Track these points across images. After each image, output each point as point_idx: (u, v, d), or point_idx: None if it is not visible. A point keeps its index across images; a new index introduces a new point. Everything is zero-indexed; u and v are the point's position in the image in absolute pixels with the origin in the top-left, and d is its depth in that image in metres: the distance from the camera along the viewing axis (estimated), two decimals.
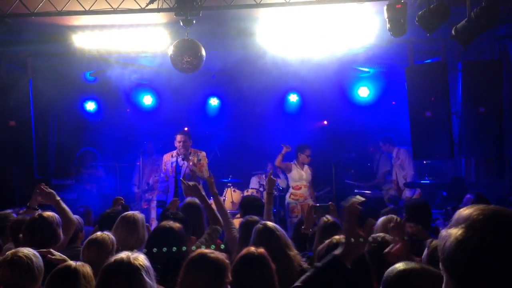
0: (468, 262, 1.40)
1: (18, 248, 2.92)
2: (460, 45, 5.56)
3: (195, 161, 6.84)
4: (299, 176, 7.88)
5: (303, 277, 2.48)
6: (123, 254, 2.29)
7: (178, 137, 6.91)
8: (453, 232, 1.44)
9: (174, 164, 6.87)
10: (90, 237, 3.32)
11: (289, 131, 9.02)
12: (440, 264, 1.48)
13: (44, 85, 8.60)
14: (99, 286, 2.25)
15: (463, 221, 1.43)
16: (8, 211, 4.51)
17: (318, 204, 4.70)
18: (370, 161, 9.21)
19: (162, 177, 7.19)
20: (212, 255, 2.54)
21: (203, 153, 7.04)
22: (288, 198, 7.90)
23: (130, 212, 3.88)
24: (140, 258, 2.28)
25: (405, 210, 4.40)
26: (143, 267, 2.24)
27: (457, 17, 5.44)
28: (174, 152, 6.99)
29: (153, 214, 8.00)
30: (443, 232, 1.50)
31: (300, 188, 7.86)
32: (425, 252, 2.86)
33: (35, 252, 2.88)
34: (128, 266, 2.22)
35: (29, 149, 6.85)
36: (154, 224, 7.67)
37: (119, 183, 8.61)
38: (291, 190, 7.92)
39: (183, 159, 6.80)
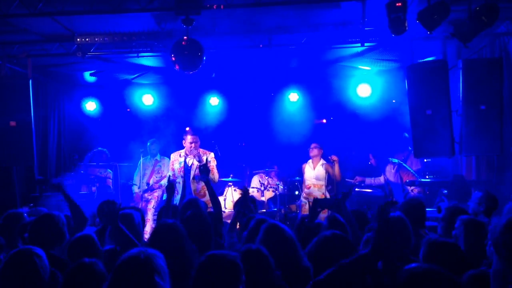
0: None
1: (21, 247, 2.91)
2: (460, 42, 5.58)
3: (205, 161, 6.80)
4: (309, 175, 7.95)
5: (325, 273, 2.47)
6: (137, 252, 2.18)
7: (190, 138, 6.85)
8: (504, 218, 1.60)
9: (182, 164, 6.84)
10: None
11: (290, 129, 9.01)
12: (492, 246, 1.65)
13: (45, 85, 8.62)
14: (111, 284, 2.15)
15: None
16: (20, 211, 4.52)
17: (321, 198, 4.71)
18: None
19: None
20: (225, 256, 2.41)
21: (212, 154, 7.02)
22: (301, 197, 8.04)
23: None
24: (154, 257, 2.17)
25: (400, 209, 4.41)
26: (155, 267, 2.13)
27: (457, 14, 5.46)
28: (182, 152, 6.96)
29: (149, 214, 8.00)
30: (495, 220, 1.68)
31: (309, 187, 7.90)
32: (422, 250, 2.86)
33: (38, 251, 2.87)
34: (140, 266, 2.11)
35: (30, 149, 6.84)
36: (148, 224, 7.68)
37: (120, 183, 8.60)
38: (304, 188, 8.02)
39: (199, 162, 6.74)
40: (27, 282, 2.69)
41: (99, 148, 8.61)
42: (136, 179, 8.60)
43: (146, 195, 8.46)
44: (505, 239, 1.79)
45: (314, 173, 7.88)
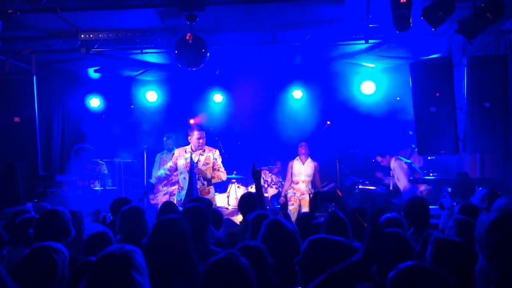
0: (499, 244, 1.58)
1: (39, 244, 2.91)
2: (465, 39, 5.54)
3: (212, 159, 6.77)
4: (298, 171, 8.20)
5: (316, 281, 2.42)
6: (113, 248, 2.15)
7: (197, 134, 6.73)
8: (489, 217, 1.62)
9: (188, 160, 6.77)
10: None
11: (293, 126, 9.00)
12: (477, 244, 1.68)
13: (49, 81, 8.64)
14: (89, 280, 2.12)
15: (500, 208, 1.60)
16: (27, 207, 4.52)
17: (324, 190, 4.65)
18: (375, 156, 9.19)
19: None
20: (239, 260, 2.27)
21: (217, 152, 6.93)
22: (288, 191, 8.27)
23: None
24: (131, 253, 2.13)
25: (403, 209, 4.39)
26: (132, 263, 2.09)
27: (462, 11, 5.42)
28: (188, 148, 6.87)
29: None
30: (481, 217, 1.70)
31: (298, 183, 8.16)
32: (429, 248, 2.84)
33: (57, 246, 2.88)
34: (117, 262, 2.08)
35: (34, 146, 6.86)
36: None
37: (123, 179, 8.62)
38: (292, 184, 8.27)
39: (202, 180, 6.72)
40: (45, 277, 2.71)
41: (82, 145, 8.63)
42: (154, 175, 8.64)
43: (165, 188, 8.53)
44: (488, 241, 1.80)
45: (304, 168, 8.17)
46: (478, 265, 1.92)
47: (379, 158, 8.14)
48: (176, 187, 8.35)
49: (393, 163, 7.86)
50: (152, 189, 7.36)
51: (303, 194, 8.01)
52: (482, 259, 1.84)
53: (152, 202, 8.55)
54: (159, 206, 8.11)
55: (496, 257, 1.72)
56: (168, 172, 7.00)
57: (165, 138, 8.68)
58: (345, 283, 2.32)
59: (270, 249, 2.87)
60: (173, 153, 8.30)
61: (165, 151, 8.63)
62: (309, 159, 8.22)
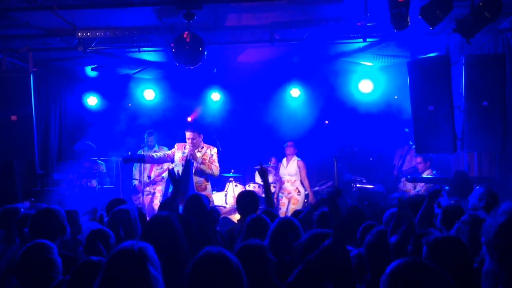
0: (508, 246, 1.63)
1: (36, 242, 2.91)
2: (463, 38, 5.54)
3: (208, 155, 6.82)
4: (282, 172, 8.40)
5: (295, 272, 2.49)
6: (129, 244, 2.17)
7: (187, 134, 6.83)
8: (498, 219, 1.66)
9: (185, 154, 6.83)
10: None
11: (291, 125, 9.00)
12: (485, 247, 1.73)
13: (46, 79, 8.61)
14: (103, 277, 2.12)
15: (507, 211, 1.64)
16: (17, 206, 4.53)
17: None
18: (373, 155, 9.22)
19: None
20: (229, 256, 2.23)
21: (215, 149, 7.05)
22: (280, 194, 8.42)
23: None
24: (146, 249, 2.15)
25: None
26: (148, 257, 2.11)
27: (460, 10, 5.42)
28: (187, 145, 6.95)
29: (156, 210, 8.00)
30: (490, 220, 1.74)
31: (284, 183, 8.35)
32: (424, 249, 2.85)
33: (51, 244, 2.89)
34: (134, 257, 2.10)
35: (31, 144, 6.84)
36: None
37: (120, 177, 8.60)
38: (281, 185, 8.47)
39: (194, 160, 6.76)
40: (41, 276, 2.73)
41: (84, 141, 8.59)
42: (136, 173, 8.60)
43: (148, 188, 8.48)
44: (497, 242, 1.83)
45: (287, 170, 8.30)
46: (485, 268, 1.96)
47: (419, 159, 7.95)
48: (160, 187, 8.38)
49: (427, 173, 7.83)
50: (139, 160, 7.36)
51: (290, 193, 8.19)
52: (490, 262, 1.88)
53: (135, 202, 8.51)
54: (146, 206, 8.20)
55: (505, 259, 1.76)
56: (162, 156, 7.08)
57: (146, 135, 8.61)
58: (322, 267, 2.47)
59: (276, 247, 2.94)
60: (154, 150, 8.30)
61: (146, 147, 8.59)
62: (294, 158, 8.26)
